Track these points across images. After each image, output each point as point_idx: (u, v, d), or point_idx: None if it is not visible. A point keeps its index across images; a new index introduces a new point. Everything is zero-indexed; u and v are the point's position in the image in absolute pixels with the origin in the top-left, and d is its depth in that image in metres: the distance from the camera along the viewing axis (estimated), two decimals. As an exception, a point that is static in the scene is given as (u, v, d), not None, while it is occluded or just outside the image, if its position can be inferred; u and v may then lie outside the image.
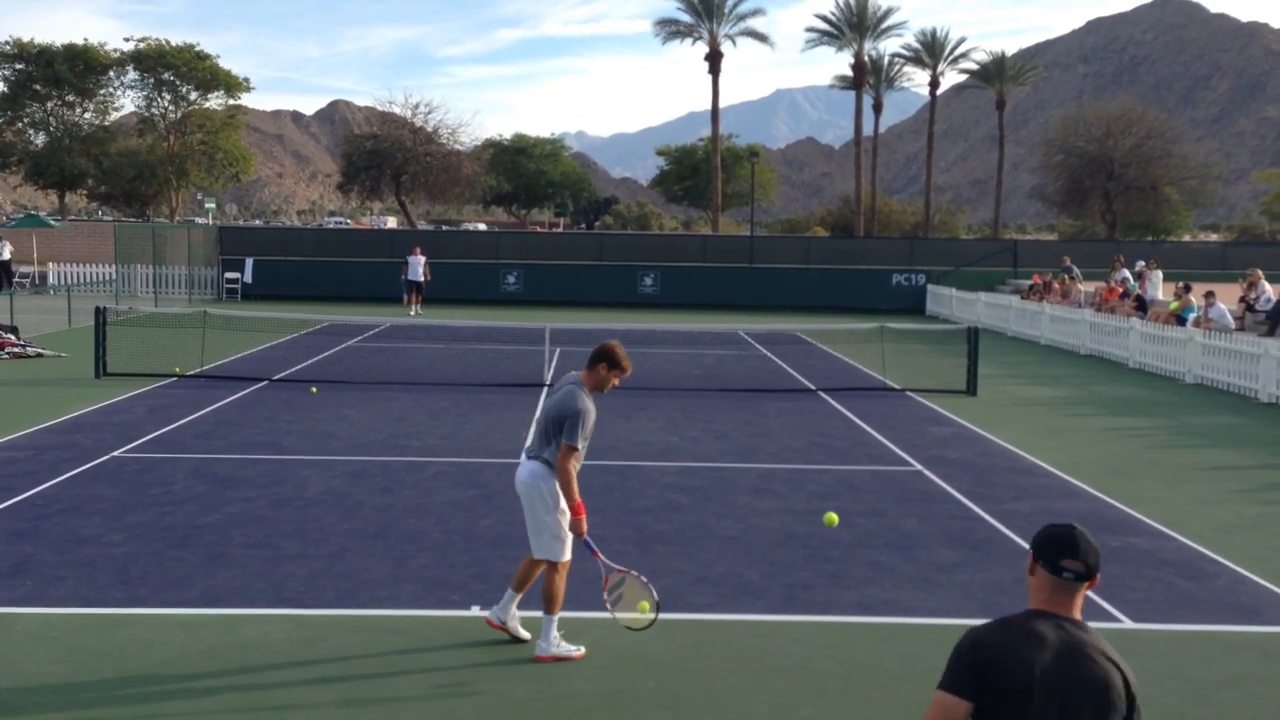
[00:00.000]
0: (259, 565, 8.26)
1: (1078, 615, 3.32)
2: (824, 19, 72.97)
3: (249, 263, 37.29)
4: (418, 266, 31.52)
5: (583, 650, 6.74)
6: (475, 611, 7.37)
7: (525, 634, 6.88)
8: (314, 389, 16.82)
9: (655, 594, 6.61)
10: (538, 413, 7.02)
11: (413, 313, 30.28)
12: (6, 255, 35.86)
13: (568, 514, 6.59)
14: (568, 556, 6.71)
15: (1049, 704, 3.13)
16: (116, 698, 5.99)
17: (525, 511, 6.75)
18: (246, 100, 73.58)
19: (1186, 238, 76.54)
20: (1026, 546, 8.55)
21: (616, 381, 6.78)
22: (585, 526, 6.50)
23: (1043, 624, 3.27)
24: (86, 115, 68.70)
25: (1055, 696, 3.14)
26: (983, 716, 3.18)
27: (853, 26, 71.91)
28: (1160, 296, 26.50)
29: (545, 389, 17.18)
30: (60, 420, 13.94)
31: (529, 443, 6.78)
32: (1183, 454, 13.62)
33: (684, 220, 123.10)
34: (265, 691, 6.09)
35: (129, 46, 67.59)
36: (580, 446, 6.50)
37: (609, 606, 6.68)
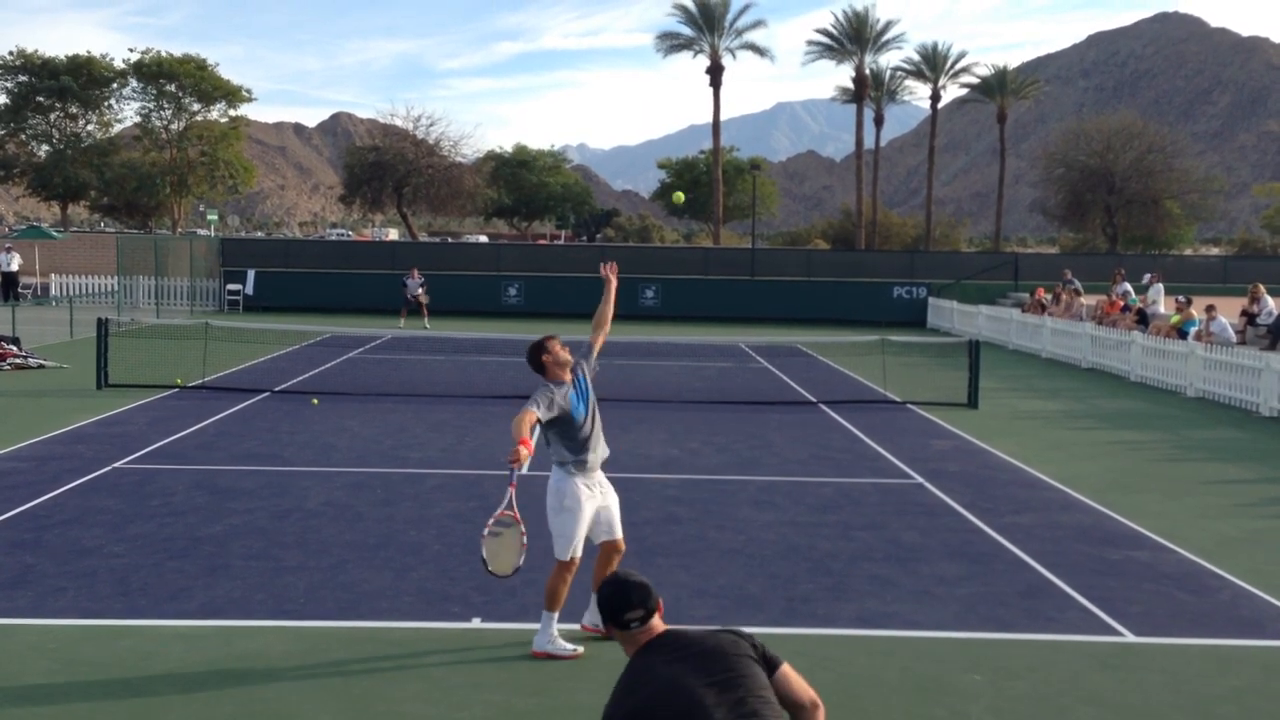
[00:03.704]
0: (259, 577, 8.25)
1: (660, 629, 3.64)
2: (824, 33, 73.28)
3: (251, 274, 37.36)
4: (416, 287, 31.61)
5: (580, 650, 6.82)
6: (476, 624, 7.37)
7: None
8: (315, 400, 16.83)
9: (522, 560, 6.46)
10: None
11: (401, 324, 30.29)
12: (14, 267, 35.98)
13: (566, 512, 6.78)
14: (568, 556, 6.81)
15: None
16: (116, 709, 5.98)
17: None
18: (248, 111, 73.89)
19: (1188, 251, 76.61)
20: (1028, 560, 8.53)
21: (559, 360, 6.83)
22: (519, 457, 6.24)
23: (639, 662, 3.57)
24: (89, 127, 68.93)
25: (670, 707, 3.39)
26: None
27: (852, 40, 72.13)
28: (1162, 310, 26.51)
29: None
30: (61, 431, 13.94)
31: None
32: (1184, 467, 13.60)
33: (685, 233, 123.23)
34: (265, 703, 6.08)
35: (132, 58, 67.84)
36: (537, 411, 6.52)
37: (484, 533, 6.57)
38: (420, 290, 31.41)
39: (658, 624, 3.68)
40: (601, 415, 7.09)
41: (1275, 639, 7.51)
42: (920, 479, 12.33)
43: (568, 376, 6.86)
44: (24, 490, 10.77)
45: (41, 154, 68.12)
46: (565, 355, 6.88)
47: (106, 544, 9.02)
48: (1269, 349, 19.73)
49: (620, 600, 3.73)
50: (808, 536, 9.76)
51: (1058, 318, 27.44)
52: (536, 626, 6.97)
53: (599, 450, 6.96)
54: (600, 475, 7.01)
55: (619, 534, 7.04)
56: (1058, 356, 25.98)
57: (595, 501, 6.91)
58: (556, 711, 6.08)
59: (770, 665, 3.50)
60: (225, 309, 36.60)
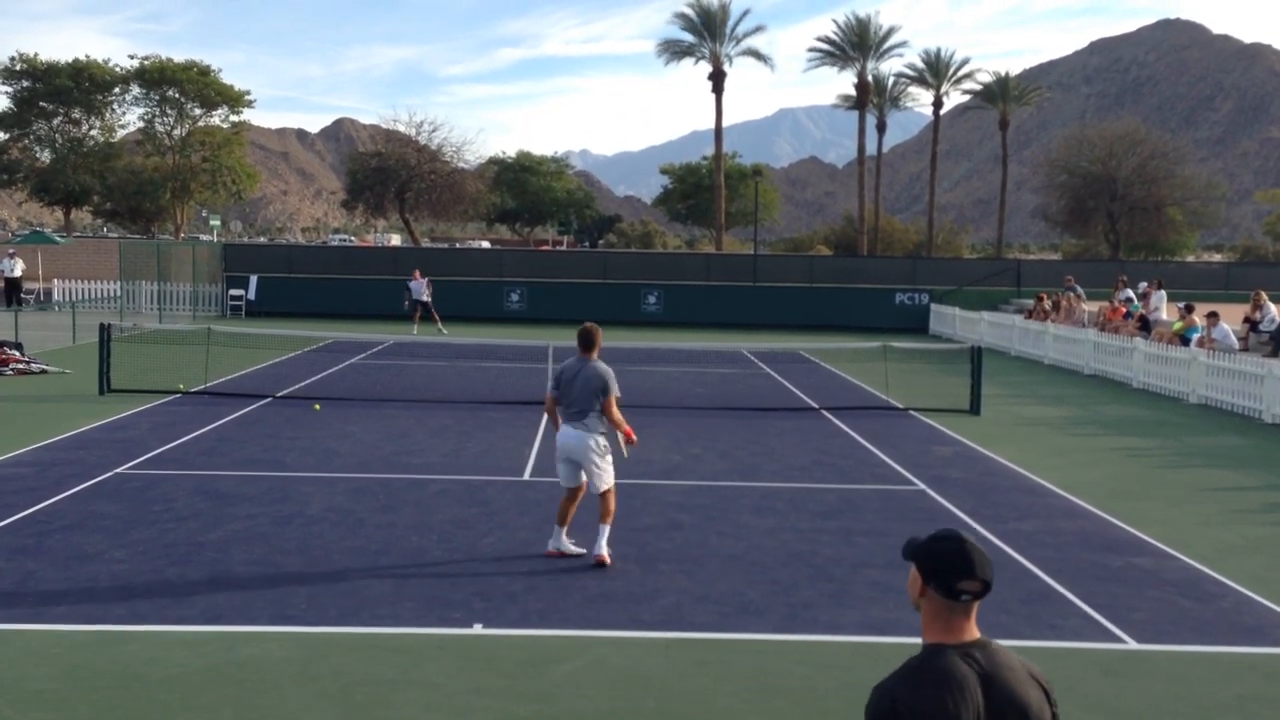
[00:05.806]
0: (260, 583, 8.25)
1: (976, 633, 3.05)
2: (826, 40, 73.23)
3: (253, 280, 37.37)
4: (420, 289, 31.30)
5: (581, 552, 8.98)
6: (477, 630, 7.36)
7: (579, 549, 9.03)
8: (317, 406, 16.84)
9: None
10: (574, 388, 8.87)
11: (415, 331, 30.16)
12: (18, 272, 36.00)
13: (609, 455, 8.93)
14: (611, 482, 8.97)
15: None
16: (117, 715, 5.98)
17: (582, 464, 8.82)
18: (251, 117, 73.91)
19: (1190, 258, 76.53)
20: (1031, 566, 8.53)
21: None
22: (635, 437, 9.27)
23: (955, 664, 2.95)
24: (92, 132, 69.01)
25: None
26: None
27: (855, 47, 72.15)
28: (1165, 317, 26.49)
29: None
30: (64, 437, 13.95)
31: (572, 417, 8.87)
32: (1187, 474, 13.59)
33: (687, 239, 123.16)
34: (266, 709, 6.08)
35: (134, 64, 67.94)
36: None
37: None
38: (425, 293, 31.11)
39: (974, 622, 3.06)
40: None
41: (1278, 646, 7.50)
42: (922, 485, 12.32)
43: None
44: (26, 495, 10.78)
45: (44, 159, 68.18)
46: None
47: (108, 549, 9.03)
48: (1271, 356, 19.71)
49: (964, 561, 3.03)
50: (809, 543, 9.75)
51: (1059, 324, 27.43)
52: (538, 633, 7.05)
53: None
54: None
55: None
56: (1060, 363, 25.95)
57: None
58: (556, 718, 6.07)
59: None
60: (228, 314, 36.63)
